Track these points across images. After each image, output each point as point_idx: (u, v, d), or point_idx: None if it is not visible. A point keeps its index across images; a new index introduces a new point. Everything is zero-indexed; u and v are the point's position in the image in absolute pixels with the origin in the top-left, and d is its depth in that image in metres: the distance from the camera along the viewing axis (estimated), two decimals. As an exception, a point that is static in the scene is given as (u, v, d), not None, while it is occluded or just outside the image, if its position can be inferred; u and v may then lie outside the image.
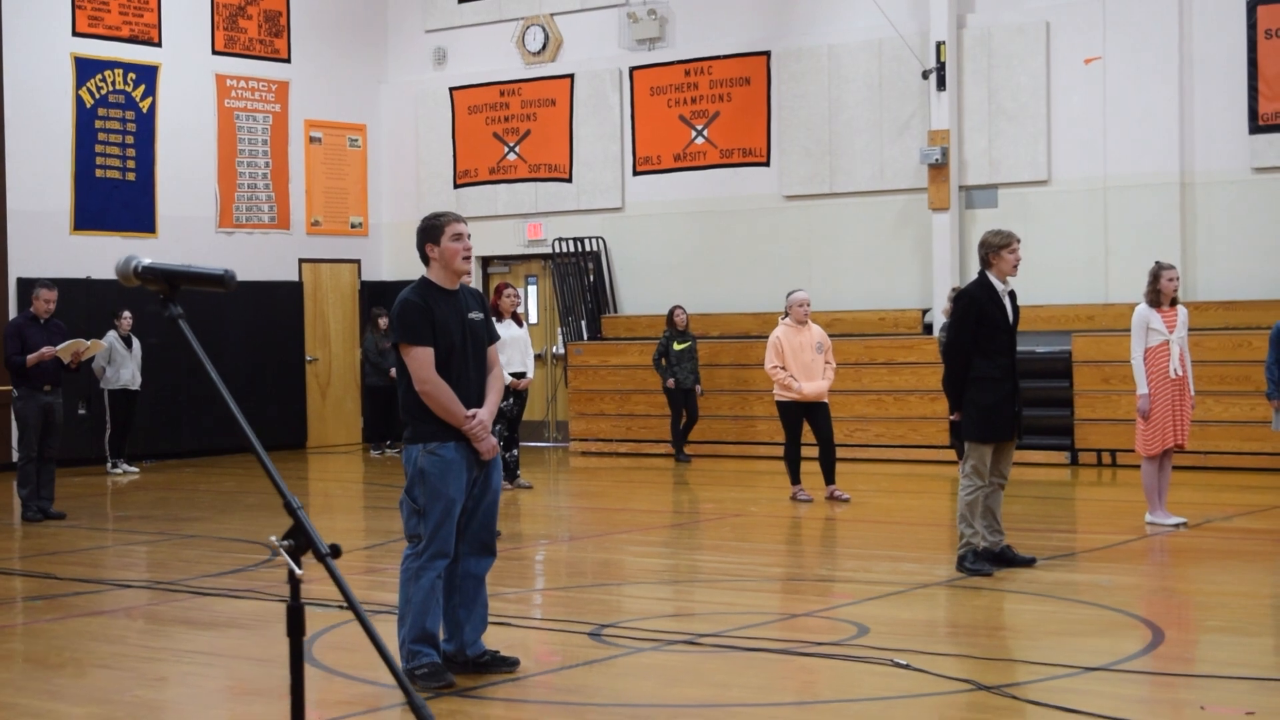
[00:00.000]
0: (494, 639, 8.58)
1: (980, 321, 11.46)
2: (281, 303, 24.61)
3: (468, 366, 8.06)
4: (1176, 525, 13.56)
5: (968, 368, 11.46)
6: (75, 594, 11.41)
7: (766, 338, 21.21)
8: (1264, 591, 10.98)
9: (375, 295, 25.04)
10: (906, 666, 8.21)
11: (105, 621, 10.35)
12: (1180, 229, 19.58)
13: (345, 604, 3.71)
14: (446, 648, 8.20)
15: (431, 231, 8.07)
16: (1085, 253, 20.21)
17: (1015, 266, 11.64)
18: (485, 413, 8.05)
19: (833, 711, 7.55)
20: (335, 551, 3.77)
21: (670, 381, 21.03)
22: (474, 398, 8.06)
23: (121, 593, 11.43)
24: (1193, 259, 19.38)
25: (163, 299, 3.96)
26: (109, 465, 21.11)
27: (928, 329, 20.98)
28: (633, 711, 7.47)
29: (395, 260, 25.76)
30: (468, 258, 8.07)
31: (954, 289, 18.67)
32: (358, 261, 25.67)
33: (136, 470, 21.15)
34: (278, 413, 24.43)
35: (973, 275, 19.74)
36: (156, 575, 12.03)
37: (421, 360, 7.91)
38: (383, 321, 23.55)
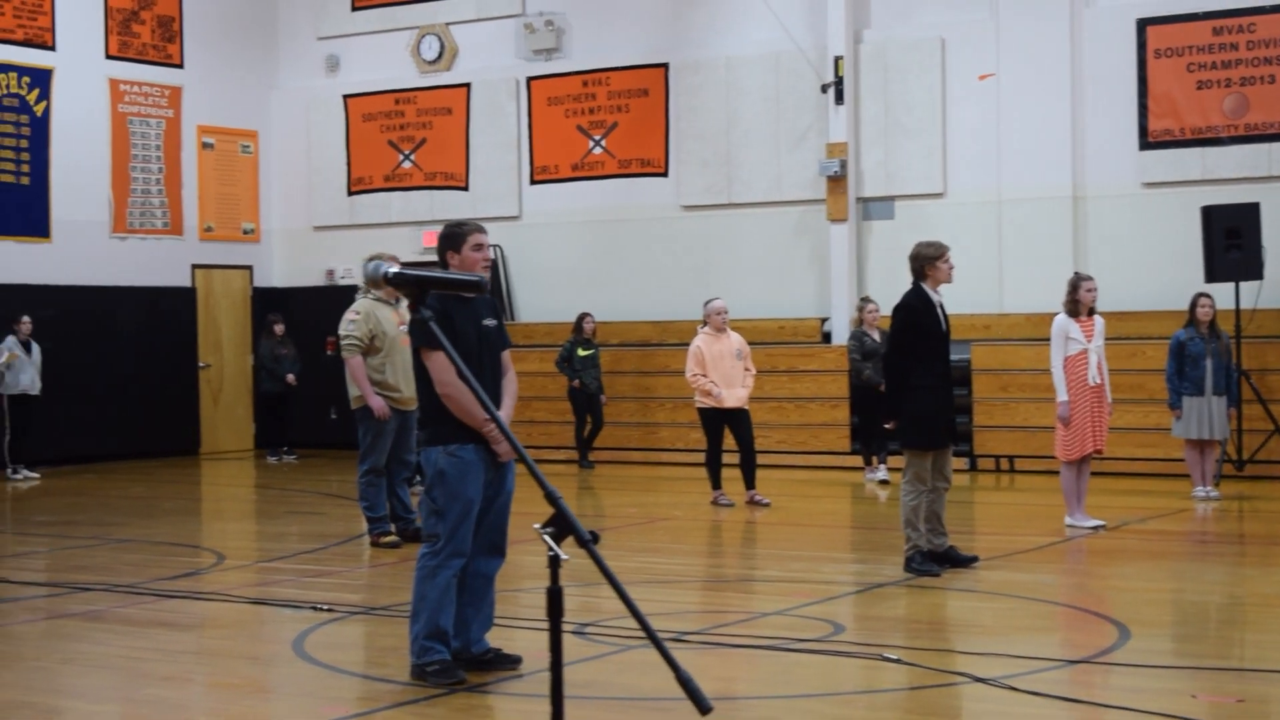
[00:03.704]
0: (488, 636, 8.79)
1: (918, 331, 11.87)
2: (174, 308, 24.47)
3: (484, 371, 8.28)
4: (1095, 527, 14.06)
5: (908, 377, 11.85)
6: (35, 597, 11.41)
7: (666, 346, 21.72)
8: (1204, 589, 11.45)
9: (267, 301, 25.00)
10: (898, 661, 8.52)
11: (81, 624, 10.33)
12: (1073, 242, 20.17)
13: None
14: (453, 644, 8.39)
15: (454, 239, 8.28)
16: (980, 264, 20.67)
17: (950, 275, 12.08)
18: (503, 415, 8.27)
19: (844, 703, 7.82)
20: (595, 538, 4.01)
21: (576, 382, 21.20)
22: (491, 401, 8.25)
23: (83, 595, 11.35)
24: (1085, 271, 19.88)
25: (413, 302, 4.18)
26: (9, 471, 20.88)
27: (826, 337, 21.41)
28: (654, 705, 7.68)
29: (287, 266, 25.68)
30: (487, 267, 8.30)
31: (863, 298, 19.16)
32: (250, 268, 25.57)
33: (37, 476, 20.93)
34: (170, 419, 24.29)
35: (873, 284, 20.61)
36: (109, 578, 11.98)
37: (442, 364, 8.11)
38: (278, 329, 23.50)
